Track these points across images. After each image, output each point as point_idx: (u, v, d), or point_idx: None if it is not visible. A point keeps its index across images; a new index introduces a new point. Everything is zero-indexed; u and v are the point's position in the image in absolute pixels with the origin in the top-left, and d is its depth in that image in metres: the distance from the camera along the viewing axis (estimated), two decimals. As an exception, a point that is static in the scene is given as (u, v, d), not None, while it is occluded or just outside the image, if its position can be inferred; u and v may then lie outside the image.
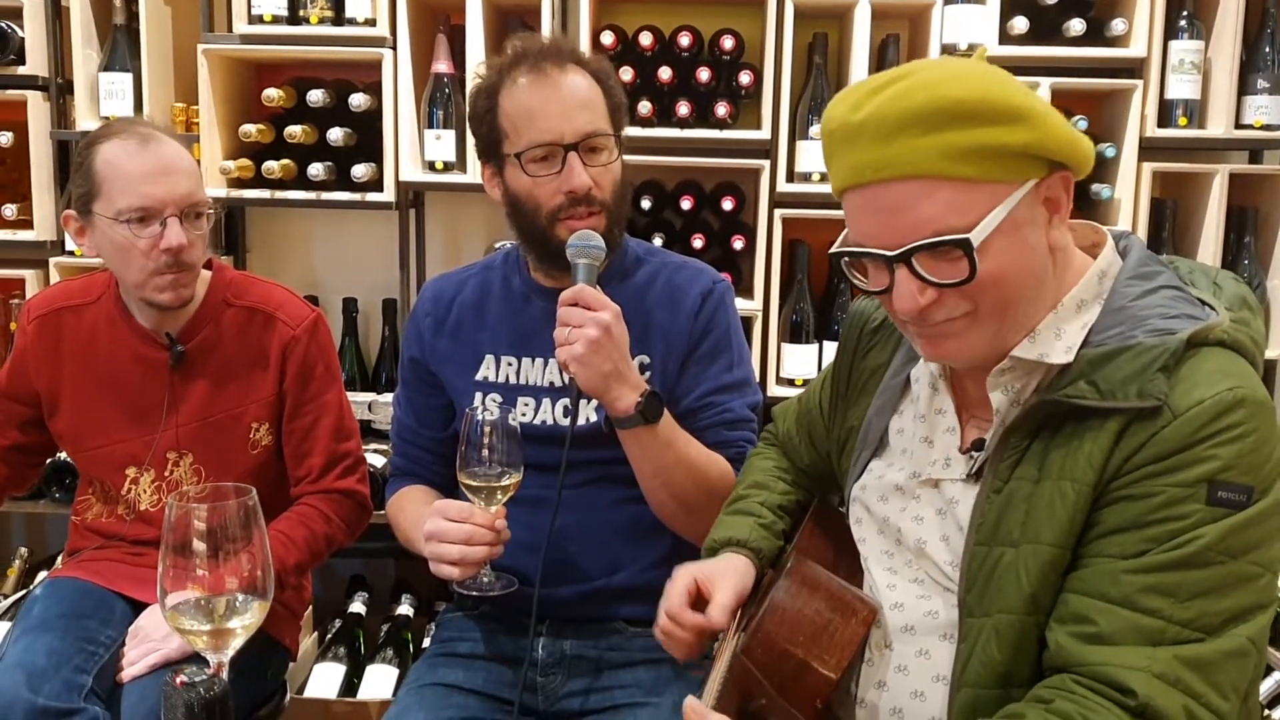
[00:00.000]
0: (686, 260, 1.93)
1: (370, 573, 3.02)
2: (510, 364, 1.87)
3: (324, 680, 2.52)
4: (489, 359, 1.87)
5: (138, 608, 1.85)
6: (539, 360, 1.85)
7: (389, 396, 2.70)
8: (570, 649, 1.80)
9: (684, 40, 2.75)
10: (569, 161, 1.69)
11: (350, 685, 2.53)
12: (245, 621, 1.15)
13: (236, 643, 1.17)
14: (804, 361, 2.81)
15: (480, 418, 1.65)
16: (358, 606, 2.77)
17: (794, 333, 2.84)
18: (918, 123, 1.06)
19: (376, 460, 2.54)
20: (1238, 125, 2.82)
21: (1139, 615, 1.06)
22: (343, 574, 3.00)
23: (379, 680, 2.51)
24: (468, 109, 1.82)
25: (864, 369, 1.44)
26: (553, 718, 1.78)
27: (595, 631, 1.81)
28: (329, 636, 2.68)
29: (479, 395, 1.83)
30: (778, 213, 2.76)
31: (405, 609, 2.76)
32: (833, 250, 1.17)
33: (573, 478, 1.79)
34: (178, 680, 1.09)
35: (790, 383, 2.81)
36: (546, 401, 1.84)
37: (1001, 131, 1.07)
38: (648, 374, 1.80)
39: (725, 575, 1.42)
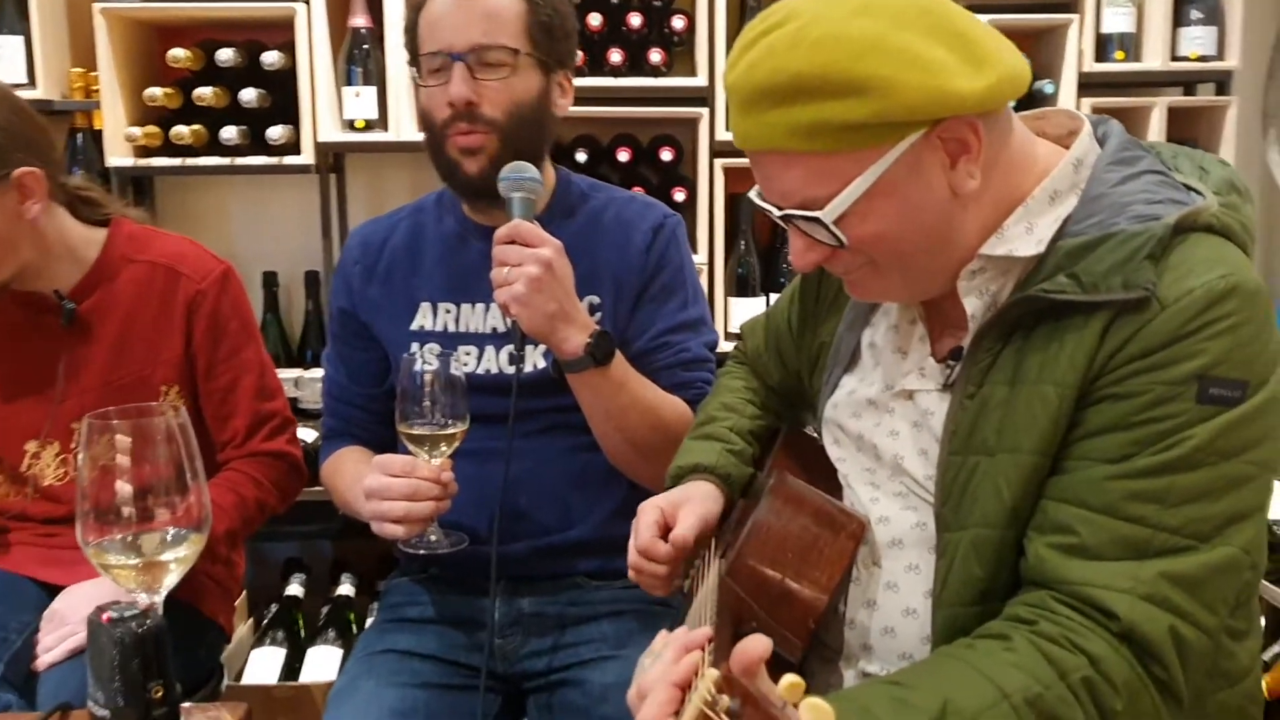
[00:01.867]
0: (634, 194, 1.83)
1: (307, 554, 2.87)
2: (449, 311, 1.75)
3: (262, 665, 2.38)
4: (425, 307, 1.76)
5: (51, 591, 1.70)
6: (479, 305, 1.74)
7: (317, 373, 2.56)
8: (528, 607, 1.69)
9: (610, -16, 2.65)
10: (452, 72, 1.59)
11: (291, 670, 2.39)
12: (180, 554, 1.02)
13: (171, 579, 1.04)
14: (752, 315, 2.71)
15: (418, 367, 1.53)
16: (295, 589, 2.63)
17: (740, 286, 2.75)
18: (764, 97, 1.02)
19: (307, 435, 2.40)
20: (1174, 58, 2.79)
21: (1123, 524, 0.98)
22: (277, 557, 2.86)
23: (322, 662, 2.37)
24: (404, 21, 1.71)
25: (833, 283, 1.35)
26: (514, 680, 1.67)
27: (553, 588, 1.71)
28: (265, 622, 2.54)
29: (416, 346, 1.71)
30: (718, 162, 2.67)
31: (346, 589, 2.62)
32: (748, 196, 1.16)
33: (522, 428, 1.68)
34: (104, 617, 0.95)
35: (739, 337, 2.71)
36: (490, 349, 1.73)
37: (842, 107, 0.99)
38: (598, 315, 1.70)
39: (691, 500, 1.34)
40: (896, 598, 1.15)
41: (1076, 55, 2.72)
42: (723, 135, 2.67)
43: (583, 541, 1.71)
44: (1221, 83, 2.85)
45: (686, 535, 1.30)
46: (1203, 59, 2.77)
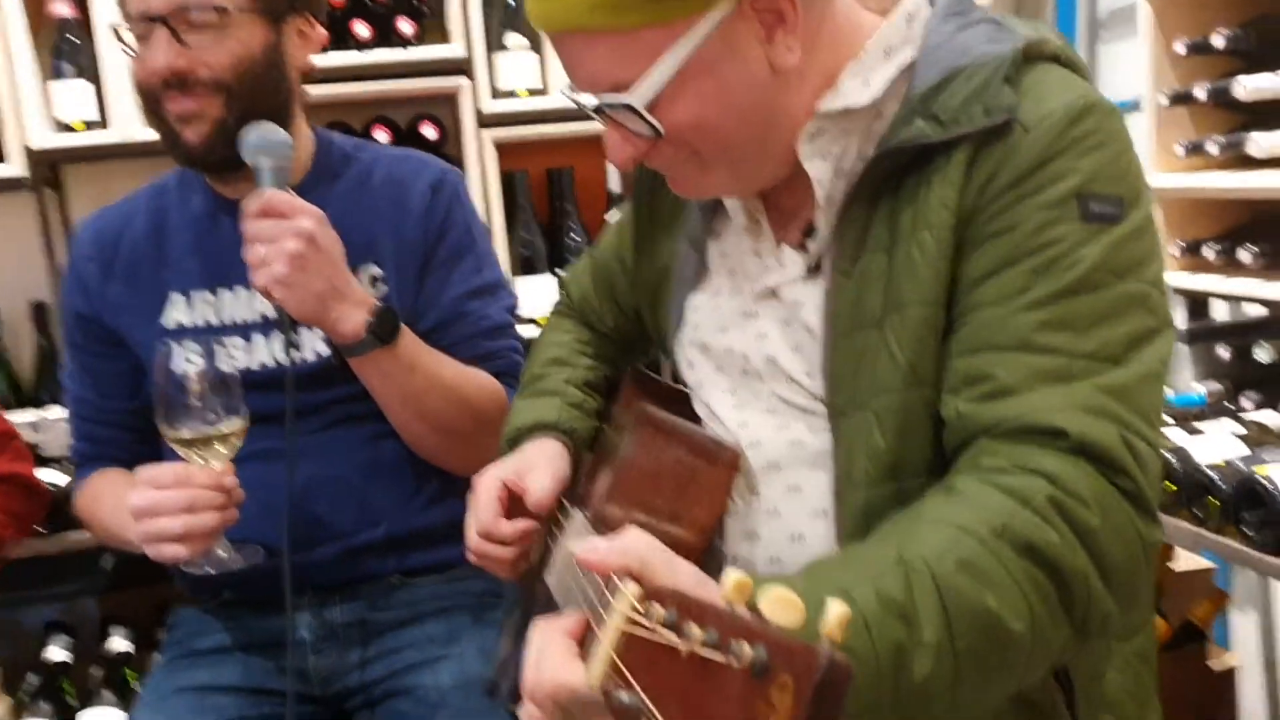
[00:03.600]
0: (407, 151, 1.66)
1: (69, 615, 2.53)
2: (207, 301, 1.54)
3: (28, 745, 2.06)
4: (178, 299, 1.54)
5: None
6: (242, 290, 1.53)
7: (57, 412, 2.25)
8: (341, 616, 1.50)
9: (349, -46, 2.45)
10: (153, 36, 1.38)
11: (64, 740, 2.09)
12: None
13: None
14: (542, 295, 2.57)
15: (174, 361, 1.32)
16: (59, 654, 2.30)
17: (525, 266, 2.60)
18: None
19: (56, 479, 2.09)
20: None
21: (1040, 356, 0.90)
22: (33, 623, 2.51)
23: (100, 725, 2.07)
24: None
25: (665, 200, 1.23)
26: (335, 700, 1.48)
27: (367, 592, 1.52)
28: (27, 697, 2.20)
29: (175, 346, 1.48)
30: (487, 135, 2.51)
31: (120, 644, 2.31)
32: (563, 91, 1.03)
33: (309, 424, 1.50)
34: None
35: (532, 322, 2.57)
36: (259, 338, 1.53)
37: None
38: (380, 287, 1.52)
39: (537, 465, 1.20)
40: (780, 524, 1.03)
41: None
42: (489, 106, 2.51)
43: (393, 538, 1.53)
44: None
45: (547, 501, 1.15)
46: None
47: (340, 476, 1.51)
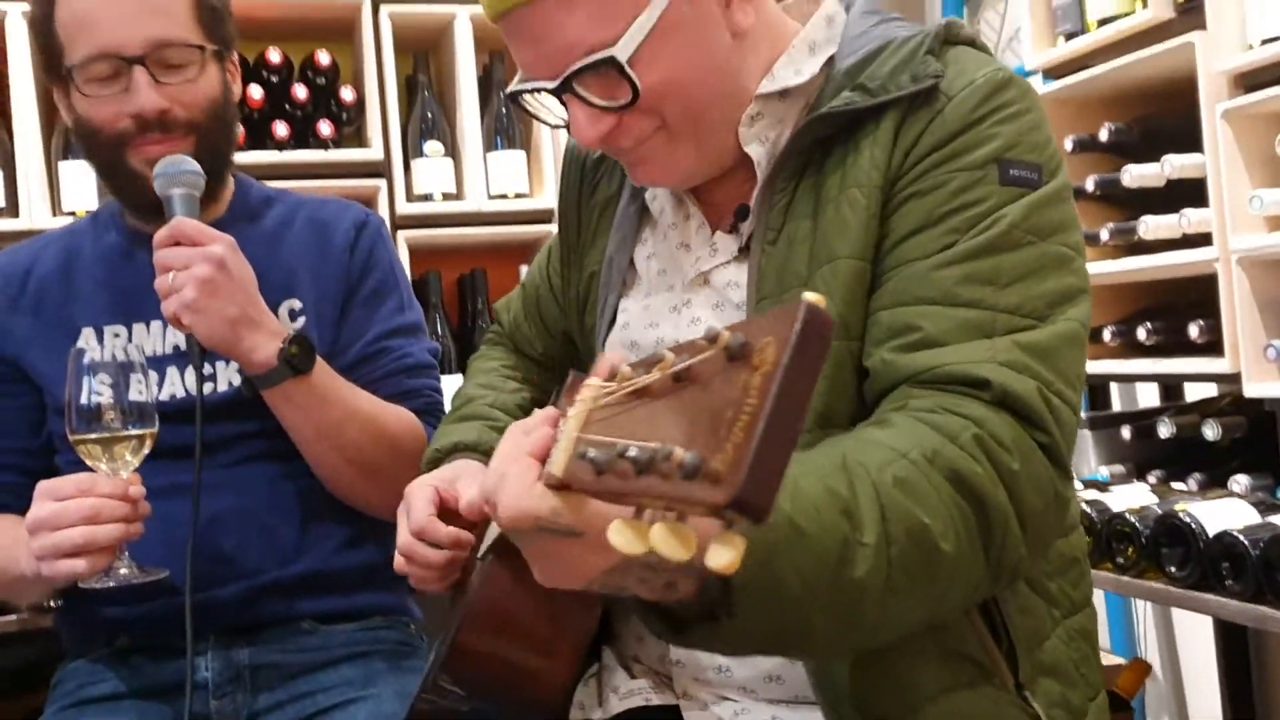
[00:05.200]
0: (328, 197, 1.65)
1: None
2: (117, 335, 1.49)
3: None
4: (88, 334, 1.49)
5: None
6: (155, 324, 1.50)
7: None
8: (249, 659, 1.41)
9: (274, 58, 2.49)
10: (133, 78, 1.37)
11: None
12: None
13: None
14: (450, 392, 2.53)
15: (87, 360, 1.27)
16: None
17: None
18: None
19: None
20: None
21: (963, 310, 0.93)
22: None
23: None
24: (29, 15, 1.46)
25: (594, 206, 1.25)
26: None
27: (278, 635, 1.44)
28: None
29: (84, 384, 1.42)
30: (402, 237, 2.52)
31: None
32: (508, 90, 1.05)
33: (220, 458, 1.44)
34: None
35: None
36: (172, 370, 1.48)
37: None
38: (300, 320, 1.49)
39: (464, 475, 1.17)
40: None
41: None
42: (404, 209, 2.53)
43: (305, 578, 1.45)
44: None
45: (476, 515, 1.12)
46: None
47: (249, 512, 1.44)
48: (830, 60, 1.06)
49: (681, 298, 1.11)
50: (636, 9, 0.95)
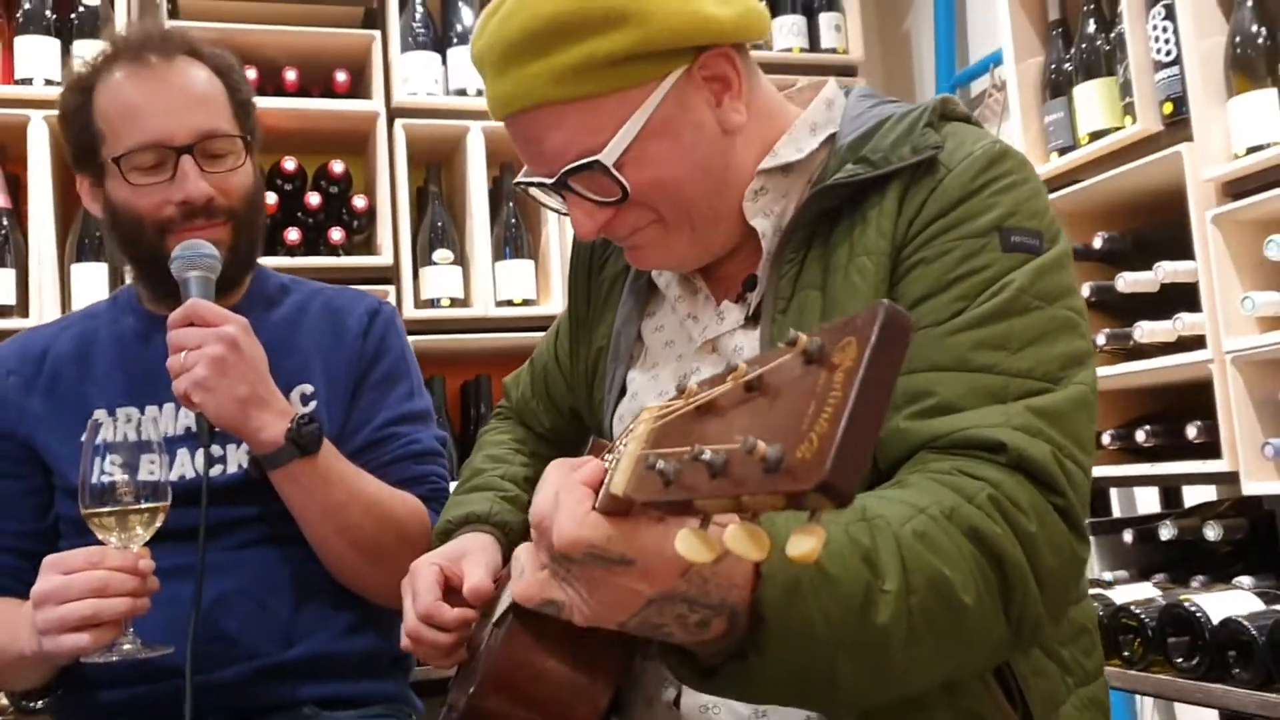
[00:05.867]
0: (342, 287, 1.69)
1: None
2: (129, 418, 1.50)
3: None
4: (101, 414, 1.49)
5: None
6: (168, 406, 1.51)
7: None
8: (248, 741, 1.38)
9: (289, 165, 2.56)
10: (181, 167, 1.42)
11: None
12: None
13: None
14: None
15: (102, 438, 1.28)
16: None
17: (439, 468, 2.58)
18: (522, 50, 1.01)
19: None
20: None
21: (977, 375, 0.95)
22: None
23: None
24: (58, 111, 1.52)
25: (602, 282, 1.29)
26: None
27: (280, 718, 1.41)
28: None
29: (97, 461, 1.43)
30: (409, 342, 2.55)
31: None
32: (515, 181, 1.11)
33: (226, 540, 1.44)
34: None
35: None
36: (183, 453, 1.49)
37: (605, 41, 0.99)
38: (312, 404, 1.51)
39: (471, 552, 1.18)
40: None
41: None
42: (411, 314, 2.57)
43: (307, 662, 1.43)
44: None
45: (486, 585, 1.13)
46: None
47: (254, 595, 1.43)
48: (831, 138, 1.10)
49: (690, 365, 1.14)
50: (624, 114, 1.01)
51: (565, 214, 1.09)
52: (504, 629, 1.01)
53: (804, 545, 0.53)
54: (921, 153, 1.02)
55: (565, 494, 0.73)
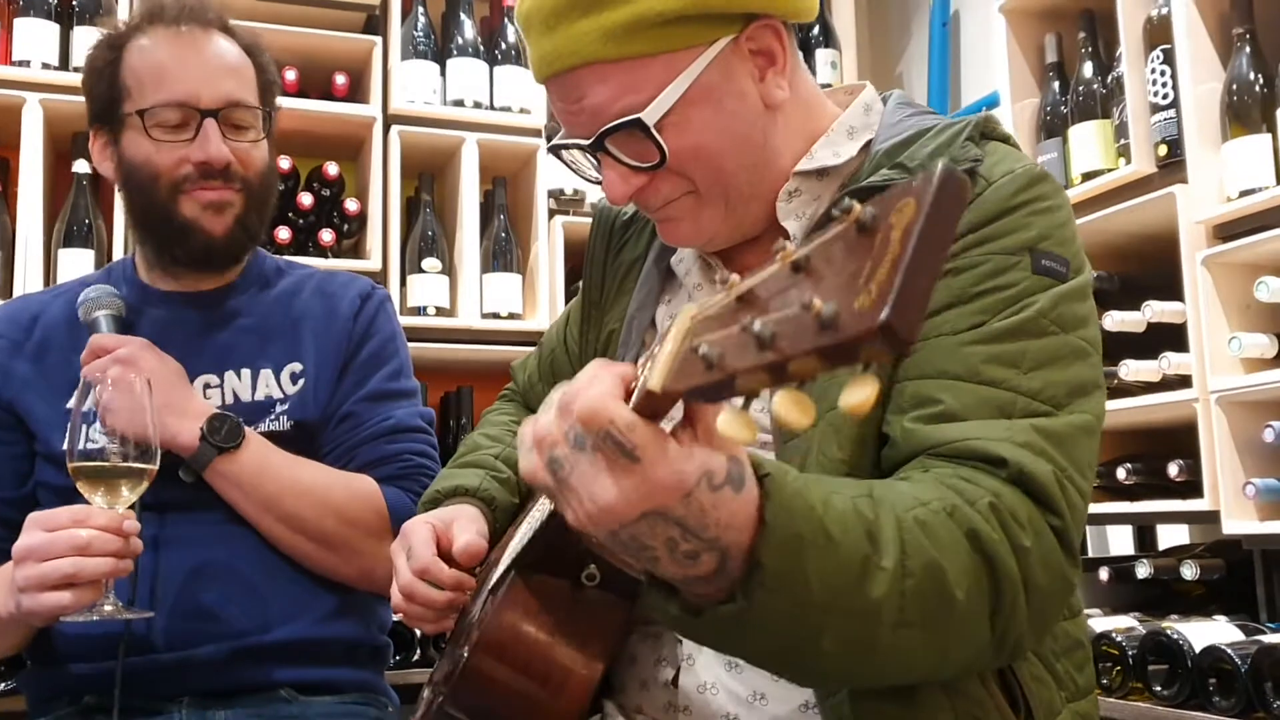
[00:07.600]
0: (336, 270, 1.69)
1: None
2: (119, 387, 1.48)
3: None
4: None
5: None
6: None
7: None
8: (223, 723, 1.35)
9: (283, 164, 2.55)
10: (204, 129, 1.43)
11: None
12: None
13: None
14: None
15: (92, 395, 1.26)
16: None
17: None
18: (572, 7, 1.01)
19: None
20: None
21: (986, 388, 0.95)
22: None
23: None
24: (84, 66, 1.51)
25: (619, 266, 1.28)
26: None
27: (256, 700, 1.39)
28: None
29: (84, 428, 1.41)
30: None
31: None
32: (550, 145, 1.11)
33: (209, 514, 1.42)
34: None
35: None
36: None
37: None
38: (300, 382, 1.51)
39: (460, 518, 1.17)
40: None
41: None
42: (402, 320, 2.55)
43: (286, 645, 1.41)
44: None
45: (478, 543, 1.11)
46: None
47: (239, 569, 1.41)
48: (868, 144, 1.10)
49: None
50: (669, 76, 1.01)
51: (595, 181, 1.08)
52: (502, 590, 0.99)
53: (858, 395, 0.53)
54: (961, 164, 1.01)
55: (599, 378, 0.71)
